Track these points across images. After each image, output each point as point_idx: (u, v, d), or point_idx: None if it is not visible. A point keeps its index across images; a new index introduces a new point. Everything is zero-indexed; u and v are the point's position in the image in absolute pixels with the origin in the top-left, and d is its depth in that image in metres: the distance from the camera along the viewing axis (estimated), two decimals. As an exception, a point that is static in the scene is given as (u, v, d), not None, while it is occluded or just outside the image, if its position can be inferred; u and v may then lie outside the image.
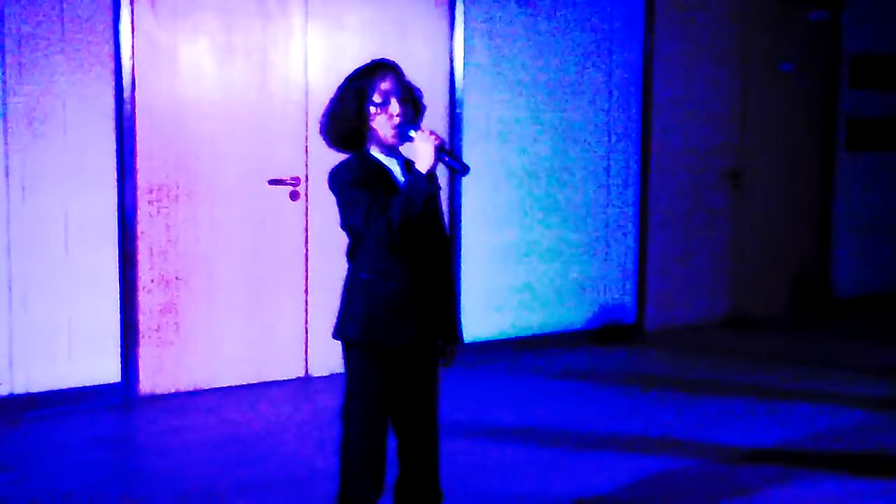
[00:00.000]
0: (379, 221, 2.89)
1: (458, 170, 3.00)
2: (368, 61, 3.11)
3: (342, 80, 3.10)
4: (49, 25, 4.86)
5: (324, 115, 3.11)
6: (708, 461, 4.48)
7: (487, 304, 6.31)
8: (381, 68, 3.07)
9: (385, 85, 3.03)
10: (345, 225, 3.06)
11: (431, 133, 2.96)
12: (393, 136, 3.03)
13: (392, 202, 2.90)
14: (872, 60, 8.05)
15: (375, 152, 3.09)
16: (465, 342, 6.14)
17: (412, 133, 2.99)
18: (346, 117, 3.04)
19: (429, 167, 2.91)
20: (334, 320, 3.15)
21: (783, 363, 6.36)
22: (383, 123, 3.03)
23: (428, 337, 3.15)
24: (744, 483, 4.21)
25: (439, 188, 3.05)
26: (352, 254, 3.12)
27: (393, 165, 3.09)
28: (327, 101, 3.12)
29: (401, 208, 2.87)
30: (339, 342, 3.15)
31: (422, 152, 2.93)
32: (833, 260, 8.06)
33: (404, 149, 3.11)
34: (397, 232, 2.88)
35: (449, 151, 2.99)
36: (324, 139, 3.12)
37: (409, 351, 3.10)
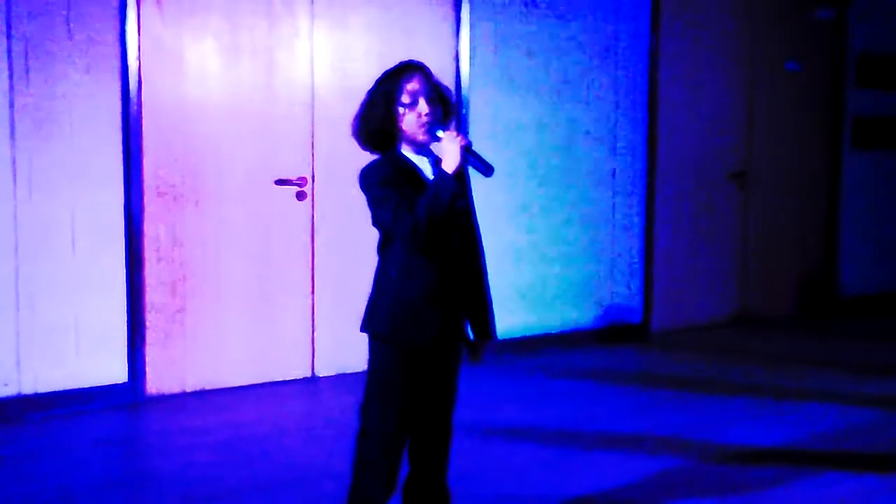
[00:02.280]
0: (406, 220, 2.94)
1: (483, 170, 3.05)
2: (397, 63, 3.16)
3: (372, 83, 3.14)
4: (56, 27, 4.87)
5: (355, 118, 3.16)
6: (714, 461, 4.47)
7: (493, 303, 6.29)
8: (408, 69, 3.12)
9: (412, 85, 3.08)
10: (375, 222, 3.09)
11: (458, 133, 3.01)
12: (423, 135, 3.07)
13: (418, 201, 2.94)
14: (879, 59, 8.04)
15: (406, 151, 3.12)
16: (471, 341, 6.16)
17: (440, 133, 3.04)
18: (375, 119, 3.09)
19: (455, 167, 2.96)
20: (355, 316, 3.18)
21: (790, 362, 6.35)
22: (412, 123, 3.06)
23: (453, 336, 3.17)
24: (751, 482, 4.20)
25: (469, 187, 3.08)
26: (382, 250, 3.14)
27: (423, 164, 3.12)
28: (359, 104, 3.16)
29: (427, 207, 2.91)
30: (366, 335, 3.16)
31: (448, 152, 2.98)
32: (840, 259, 8.04)
33: (434, 148, 3.13)
34: (424, 230, 2.92)
35: (475, 152, 3.04)
36: (356, 140, 3.16)
37: (432, 349, 3.11)
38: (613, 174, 6.77)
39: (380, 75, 3.14)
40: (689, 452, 4.57)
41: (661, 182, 7.00)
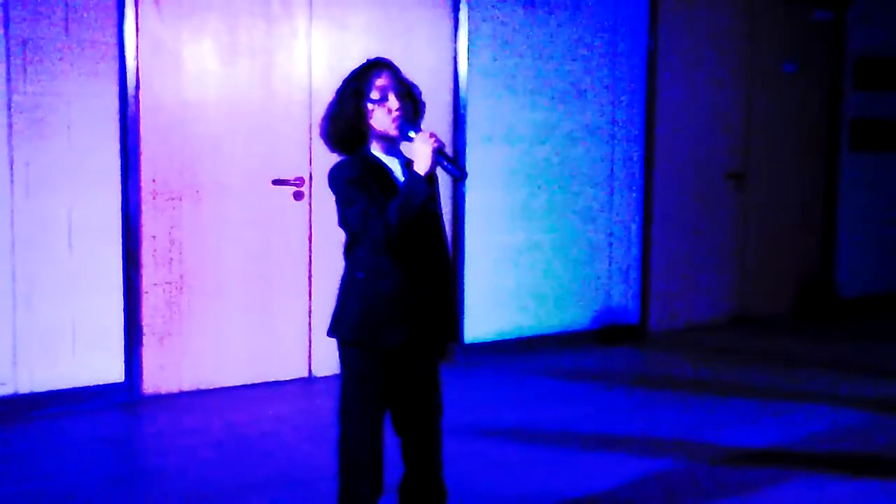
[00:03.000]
0: (376, 222, 2.92)
1: (456, 175, 3.03)
2: (364, 61, 3.14)
3: (340, 83, 3.12)
4: (54, 26, 4.87)
5: (324, 119, 3.14)
6: (711, 461, 4.48)
7: (491, 304, 6.31)
8: (376, 66, 3.10)
9: (381, 81, 3.06)
10: (342, 223, 3.08)
11: (432, 135, 2.98)
12: (394, 130, 3.05)
13: (390, 203, 2.92)
14: (877, 61, 8.04)
15: (376, 151, 3.11)
16: (469, 342, 6.17)
17: (412, 134, 3.01)
18: (345, 117, 3.07)
19: (427, 169, 2.94)
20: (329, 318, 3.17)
21: (787, 364, 6.35)
22: (382, 118, 3.05)
23: (424, 336, 3.16)
24: (747, 483, 4.21)
25: (437, 190, 3.06)
26: (349, 251, 3.14)
27: (394, 165, 3.10)
28: (326, 105, 3.14)
29: (399, 209, 2.90)
30: (335, 340, 3.16)
31: (420, 154, 2.96)
32: (837, 260, 8.05)
33: (404, 149, 3.12)
34: (394, 232, 2.91)
35: (447, 155, 3.01)
36: (325, 143, 3.15)
37: (404, 350, 3.11)
38: (611, 174, 6.77)
39: (347, 75, 3.12)
40: (686, 453, 4.57)
41: (658, 182, 7.00)
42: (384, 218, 2.90)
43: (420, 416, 3.23)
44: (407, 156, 3.12)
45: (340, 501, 3.21)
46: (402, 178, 3.07)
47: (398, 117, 3.04)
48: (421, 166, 2.94)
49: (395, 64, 3.14)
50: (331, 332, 3.15)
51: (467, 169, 5.70)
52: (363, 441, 3.12)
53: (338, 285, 3.19)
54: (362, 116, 3.05)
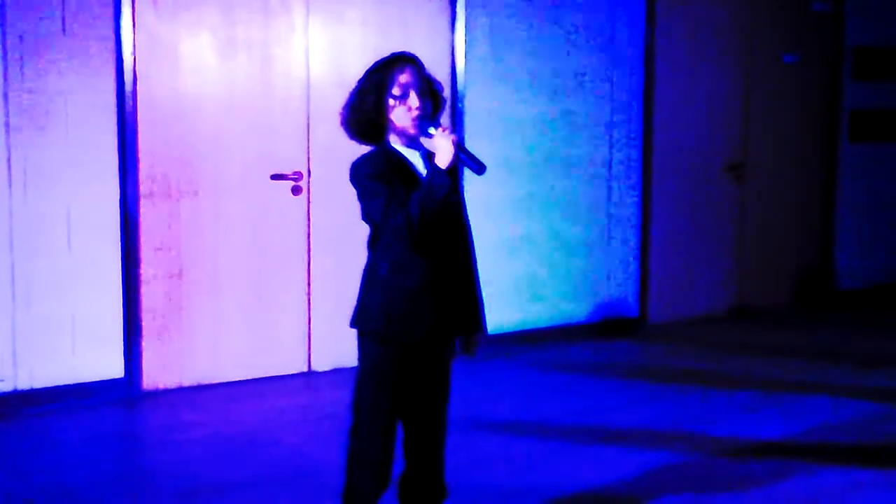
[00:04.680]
0: (398, 215, 2.93)
1: (475, 168, 3.04)
2: (388, 54, 3.14)
3: (363, 73, 3.13)
4: (50, 21, 4.86)
5: (344, 108, 3.14)
6: (711, 454, 4.48)
7: (489, 297, 6.25)
8: (400, 61, 3.11)
9: (404, 77, 3.07)
10: (365, 217, 3.08)
11: (451, 132, 2.99)
12: (413, 129, 3.06)
13: (412, 196, 2.93)
14: (875, 52, 8.03)
15: (397, 144, 3.11)
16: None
17: (431, 130, 3.02)
18: (365, 109, 3.08)
19: (448, 163, 2.95)
20: (351, 310, 3.16)
21: (786, 356, 6.35)
22: (402, 115, 3.06)
23: (444, 331, 3.16)
24: (747, 476, 4.21)
25: (460, 183, 3.07)
26: (372, 244, 3.13)
27: (415, 158, 3.11)
28: (348, 94, 3.15)
29: (420, 202, 2.90)
30: (355, 330, 3.16)
31: (441, 149, 2.97)
32: (836, 252, 8.05)
33: (424, 141, 3.12)
34: (417, 225, 2.91)
35: (466, 150, 3.03)
36: (345, 131, 3.15)
37: (424, 344, 3.11)
38: (610, 167, 6.76)
39: (371, 65, 3.12)
40: (686, 446, 4.58)
41: (657, 175, 7.00)
42: (406, 210, 2.91)
43: (428, 411, 3.23)
44: (427, 148, 3.12)
45: (345, 491, 3.21)
46: (423, 171, 3.08)
47: (418, 116, 3.04)
48: (442, 160, 2.95)
49: (419, 59, 3.13)
50: (353, 324, 3.15)
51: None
52: (375, 434, 3.12)
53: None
54: (382, 110, 3.06)
